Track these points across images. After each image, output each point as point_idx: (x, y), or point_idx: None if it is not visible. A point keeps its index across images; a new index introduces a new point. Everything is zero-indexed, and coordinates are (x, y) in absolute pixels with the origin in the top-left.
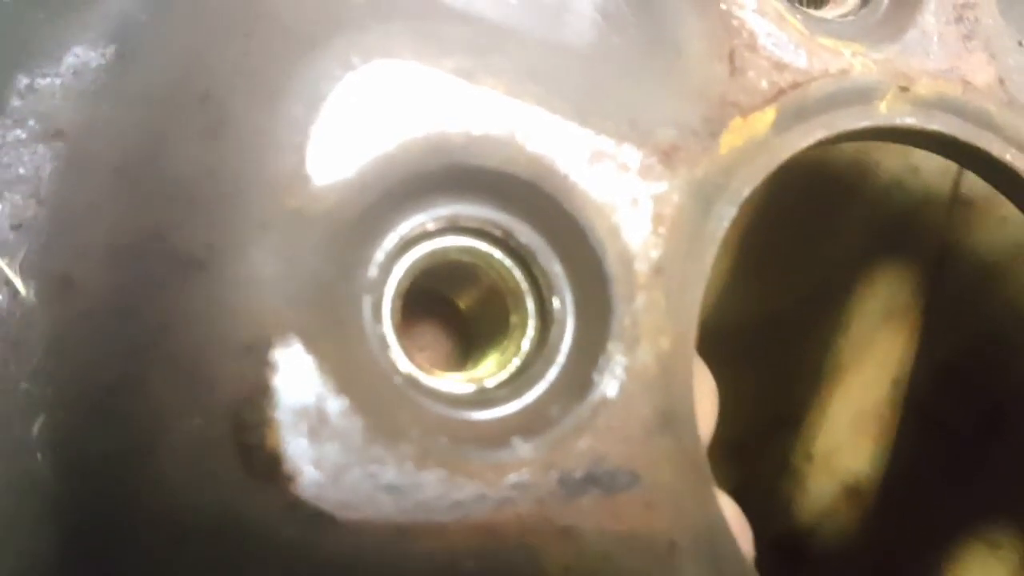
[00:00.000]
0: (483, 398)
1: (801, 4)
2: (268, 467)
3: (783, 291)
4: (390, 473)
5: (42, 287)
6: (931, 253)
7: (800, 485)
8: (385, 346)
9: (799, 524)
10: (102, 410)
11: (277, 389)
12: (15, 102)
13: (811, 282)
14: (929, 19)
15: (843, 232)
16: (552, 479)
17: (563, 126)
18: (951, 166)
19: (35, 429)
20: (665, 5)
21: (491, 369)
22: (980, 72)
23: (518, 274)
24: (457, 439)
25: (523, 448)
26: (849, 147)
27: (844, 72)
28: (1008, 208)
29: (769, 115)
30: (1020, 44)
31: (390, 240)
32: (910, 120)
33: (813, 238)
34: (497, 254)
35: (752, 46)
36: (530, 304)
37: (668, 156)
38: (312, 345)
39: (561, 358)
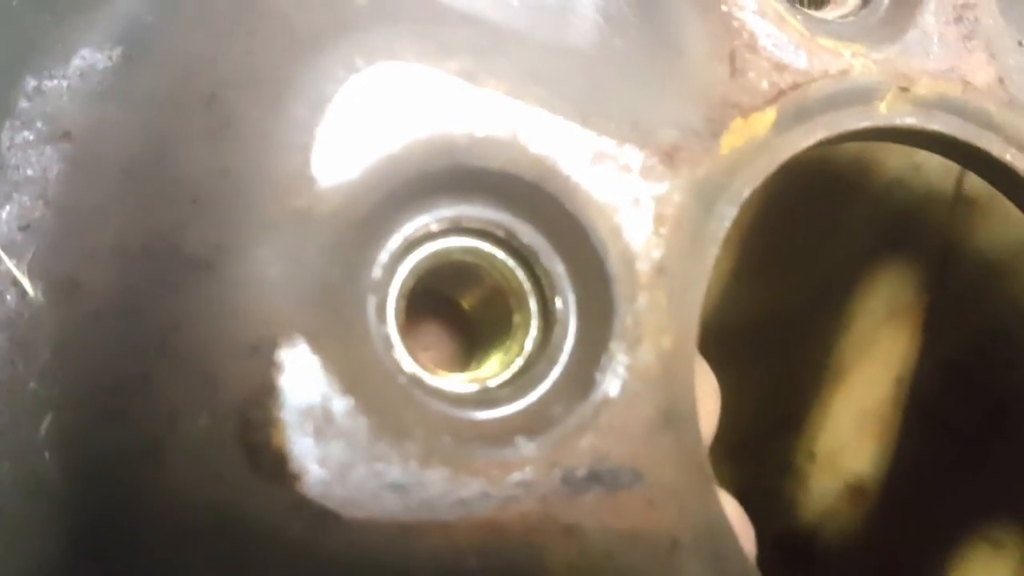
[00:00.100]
0: (486, 398)
1: (801, 5)
2: (274, 466)
3: (785, 290)
4: (395, 471)
5: (50, 288)
6: (934, 252)
7: (803, 484)
8: (389, 346)
9: (802, 524)
10: (109, 410)
11: (283, 389)
12: (23, 104)
13: (813, 281)
14: (929, 19)
15: (845, 231)
16: (555, 477)
17: (565, 127)
18: (953, 164)
19: (42, 429)
20: (667, 7)
21: (494, 369)
22: (980, 72)
23: (521, 274)
24: (461, 438)
25: (526, 447)
26: (851, 146)
27: (844, 73)
28: (1011, 206)
29: (770, 116)
30: (1020, 44)
31: (394, 241)
32: (910, 120)
33: (815, 237)
34: (500, 254)
35: (753, 47)
36: (533, 304)
37: (670, 157)
38: (317, 345)
39: (564, 358)
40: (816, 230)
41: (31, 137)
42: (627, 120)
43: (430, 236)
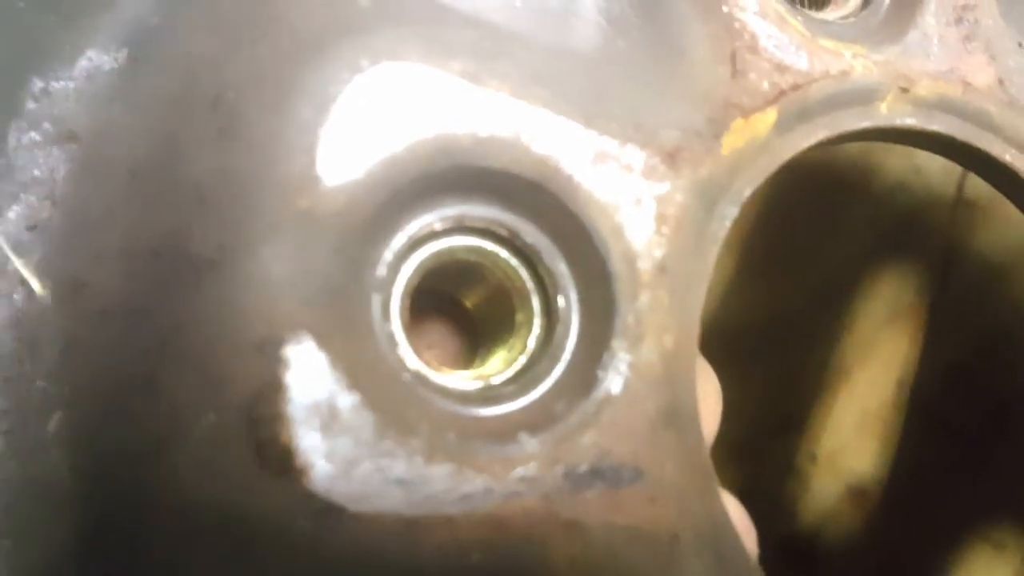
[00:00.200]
0: (490, 395)
1: (802, 6)
2: (281, 461)
3: (787, 292)
4: (400, 467)
5: (57, 287)
6: (935, 253)
7: (805, 486)
8: (394, 344)
9: (804, 525)
10: (117, 408)
11: (290, 385)
12: (30, 105)
13: (814, 283)
14: (929, 20)
15: (847, 233)
16: (558, 473)
17: (568, 128)
18: (955, 167)
19: (51, 427)
20: (669, 9)
21: (498, 366)
22: (980, 73)
23: (524, 273)
24: (465, 434)
25: (529, 443)
26: (852, 148)
27: (845, 73)
28: (1012, 209)
29: (770, 116)
30: (1020, 45)
31: (398, 240)
32: (910, 121)
33: (817, 239)
34: (503, 253)
35: (754, 48)
36: (536, 303)
37: (671, 157)
38: (323, 342)
39: (566, 355)
40: (818, 232)
41: (38, 138)
42: (629, 121)
43: (434, 235)
